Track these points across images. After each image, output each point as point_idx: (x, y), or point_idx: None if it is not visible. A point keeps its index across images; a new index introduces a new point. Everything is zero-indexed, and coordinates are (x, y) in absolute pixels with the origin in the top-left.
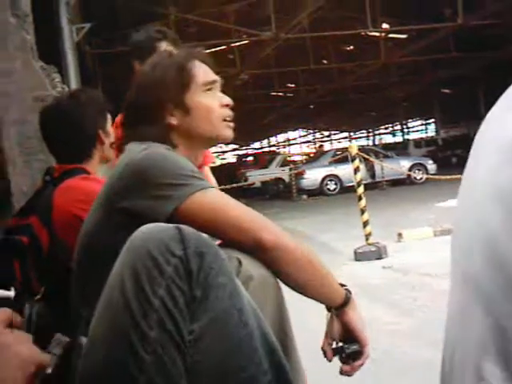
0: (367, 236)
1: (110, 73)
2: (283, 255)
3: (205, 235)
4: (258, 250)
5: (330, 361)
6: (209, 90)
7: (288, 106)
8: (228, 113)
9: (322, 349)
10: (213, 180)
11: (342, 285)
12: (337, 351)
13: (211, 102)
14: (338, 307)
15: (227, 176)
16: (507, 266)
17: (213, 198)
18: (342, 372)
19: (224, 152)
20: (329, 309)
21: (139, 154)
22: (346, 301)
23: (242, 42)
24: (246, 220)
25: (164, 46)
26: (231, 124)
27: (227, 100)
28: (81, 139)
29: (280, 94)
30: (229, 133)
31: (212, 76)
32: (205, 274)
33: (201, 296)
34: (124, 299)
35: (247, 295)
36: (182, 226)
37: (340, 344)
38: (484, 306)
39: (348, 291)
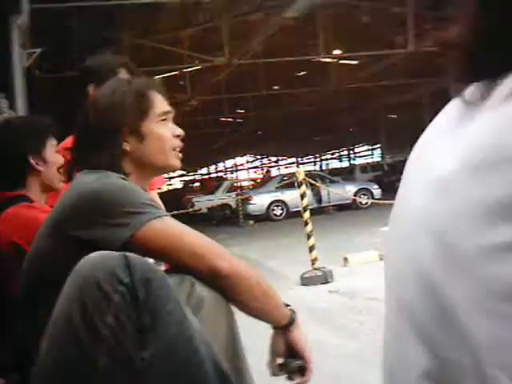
0: (313, 261)
1: (60, 97)
2: (237, 283)
3: (151, 261)
4: (213, 277)
5: (275, 375)
6: (163, 119)
7: (237, 131)
8: (179, 143)
9: (268, 366)
10: (160, 205)
11: (287, 305)
12: (282, 367)
13: (165, 131)
14: (284, 327)
15: (173, 202)
16: (439, 297)
17: (168, 225)
18: None
19: (170, 178)
20: (274, 328)
21: (95, 182)
22: (291, 321)
23: (194, 68)
24: (200, 247)
25: (123, 72)
26: (180, 154)
27: (179, 131)
28: (10, 165)
29: (229, 119)
30: (177, 163)
31: (167, 107)
32: (152, 301)
33: (150, 323)
34: (72, 329)
35: (197, 322)
36: (129, 254)
37: (285, 360)
38: (418, 333)
39: (292, 311)
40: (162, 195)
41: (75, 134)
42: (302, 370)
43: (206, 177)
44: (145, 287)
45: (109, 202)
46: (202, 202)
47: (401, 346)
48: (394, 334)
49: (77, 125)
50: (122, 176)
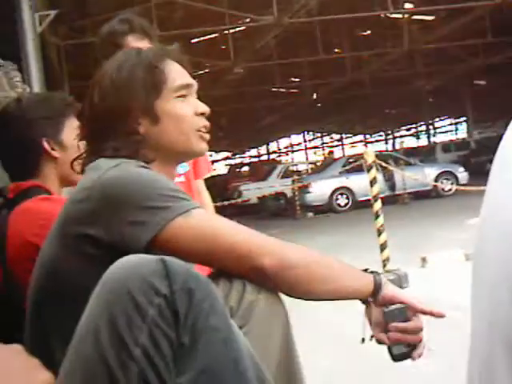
0: (385, 261)
1: (80, 68)
2: (293, 275)
3: (192, 266)
4: (261, 278)
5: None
6: (183, 95)
7: (291, 104)
8: (204, 123)
9: (375, 337)
10: (207, 196)
11: (365, 270)
12: (388, 317)
13: (185, 109)
14: (373, 294)
15: (217, 191)
16: None
17: (199, 221)
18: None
19: (213, 162)
20: (363, 301)
21: (108, 172)
22: (379, 285)
23: (237, 29)
24: (241, 245)
25: (131, 40)
26: (206, 136)
27: (203, 108)
28: (23, 150)
29: (282, 90)
30: (202, 146)
31: (187, 79)
32: (194, 316)
33: (189, 343)
34: (99, 349)
35: (244, 339)
36: (167, 258)
37: (390, 307)
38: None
39: (375, 273)
40: (207, 183)
41: (81, 120)
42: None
43: (256, 160)
44: (186, 299)
45: (126, 195)
46: (252, 191)
47: (491, 374)
48: (482, 357)
49: (83, 108)
50: (142, 164)
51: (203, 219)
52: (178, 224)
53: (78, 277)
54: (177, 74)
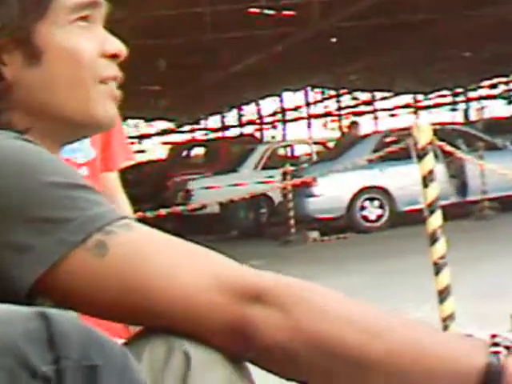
0: (446, 320)
1: None
2: (339, 353)
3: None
4: (252, 349)
5: None
6: (83, 18)
7: (284, 37)
8: (113, 71)
9: None
10: (124, 201)
11: (468, 336)
12: None
13: (84, 44)
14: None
15: (146, 191)
16: None
17: (127, 243)
18: None
19: (139, 138)
20: None
21: None
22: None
23: None
24: (209, 284)
25: None
26: (116, 93)
27: (115, 46)
28: None
29: (267, 12)
30: (110, 111)
31: None
32: None
33: None
34: None
35: None
36: (54, 314)
37: None
38: None
39: (492, 342)
40: (124, 176)
41: None
42: None
43: (218, 136)
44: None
45: None
46: (210, 191)
47: None
48: None
49: None
50: (16, 134)
51: (134, 239)
52: (89, 251)
53: None
54: None
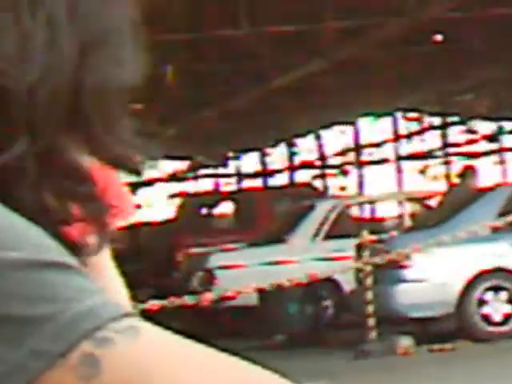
0: None
1: None
2: None
3: None
4: None
5: None
6: None
7: (367, 31)
8: None
9: None
10: (118, 282)
11: None
12: None
13: None
14: None
15: (150, 267)
16: None
17: (138, 361)
18: None
19: (137, 185)
20: None
21: None
22: None
23: None
24: None
25: None
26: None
27: None
28: None
29: None
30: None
31: None
32: None
33: None
34: None
35: None
36: None
37: None
38: None
39: None
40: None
41: None
42: None
43: (256, 184)
44: None
45: None
46: (242, 273)
47: None
48: None
49: None
50: None
51: (144, 354)
52: (71, 371)
53: None
54: None
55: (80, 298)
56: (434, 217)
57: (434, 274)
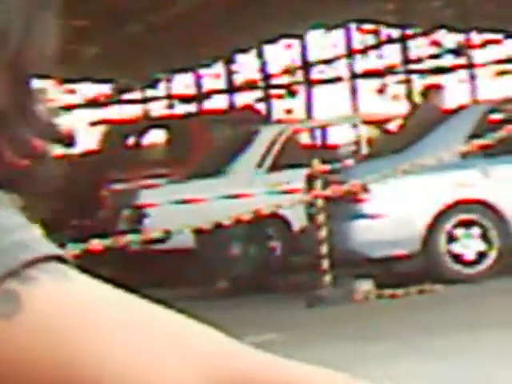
0: None
1: None
2: None
3: None
4: None
5: None
6: None
7: None
8: None
9: None
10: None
11: None
12: None
13: None
14: None
15: (70, 205)
16: None
17: (63, 303)
18: None
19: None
20: None
21: None
22: None
23: None
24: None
25: None
26: None
27: None
28: None
29: None
30: None
31: None
32: None
33: None
34: None
35: None
36: None
37: None
38: None
39: None
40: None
41: None
42: None
43: (190, 108)
44: None
45: None
46: (177, 209)
47: None
48: None
49: None
50: None
51: (70, 296)
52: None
53: None
54: None
55: (7, 231)
56: (394, 142)
57: (396, 207)
